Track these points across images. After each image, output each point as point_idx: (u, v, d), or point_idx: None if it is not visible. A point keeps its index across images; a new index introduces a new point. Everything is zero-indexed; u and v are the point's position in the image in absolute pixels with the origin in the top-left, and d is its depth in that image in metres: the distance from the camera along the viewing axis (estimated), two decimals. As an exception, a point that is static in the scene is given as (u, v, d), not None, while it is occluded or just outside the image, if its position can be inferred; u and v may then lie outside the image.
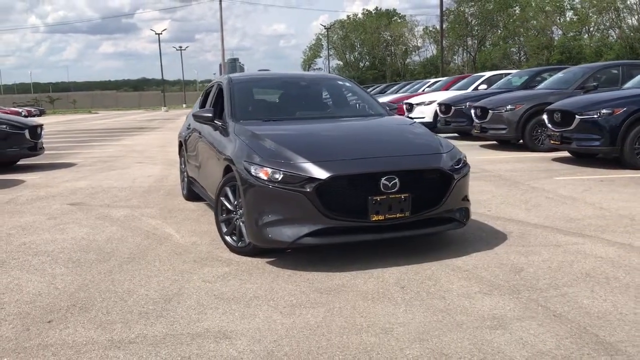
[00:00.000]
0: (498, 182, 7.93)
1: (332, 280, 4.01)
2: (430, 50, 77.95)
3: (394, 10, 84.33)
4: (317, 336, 3.12)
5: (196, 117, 5.49)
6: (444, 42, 71.87)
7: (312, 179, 4.07)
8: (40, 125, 11.47)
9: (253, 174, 4.22)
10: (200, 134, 5.95)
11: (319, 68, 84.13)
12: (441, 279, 3.99)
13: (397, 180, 4.17)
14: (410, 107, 16.63)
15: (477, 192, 7.10)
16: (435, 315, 3.36)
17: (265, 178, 4.15)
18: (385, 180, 4.14)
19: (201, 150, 5.90)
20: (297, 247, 4.31)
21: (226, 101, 5.51)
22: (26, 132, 10.85)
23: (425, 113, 16.09)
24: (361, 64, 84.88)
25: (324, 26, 76.08)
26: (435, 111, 15.61)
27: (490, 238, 5.00)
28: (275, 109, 5.79)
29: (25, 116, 60.56)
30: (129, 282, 4.10)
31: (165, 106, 67.05)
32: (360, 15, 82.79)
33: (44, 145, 11.79)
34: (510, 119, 11.45)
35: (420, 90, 20.79)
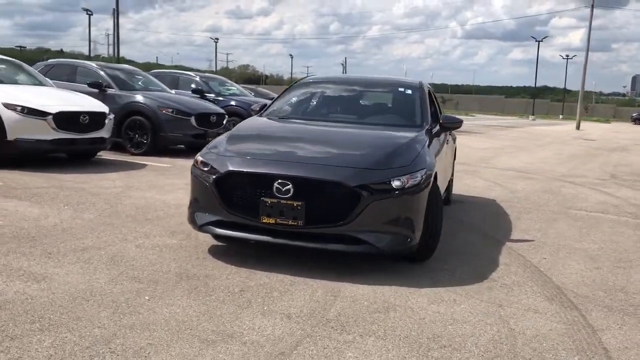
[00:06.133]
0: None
1: (217, 271, 4.16)
2: None
3: None
4: (96, 304, 3.37)
5: (251, 110, 6.01)
6: None
7: (216, 172, 4.29)
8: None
9: (196, 160, 4.61)
10: None
11: None
12: (288, 294, 3.77)
13: (290, 186, 4.05)
14: None
15: (590, 241, 5.76)
16: (202, 320, 3.32)
17: (197, 166, 4.52)
18: (277, 184, 4.07)
19: None
20: (204, 232, 4.53)
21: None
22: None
23: None
24: None
25: None
26: None
27: (464, 280, 4.26)
28: (310, 110, 5.85)
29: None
30: (106, 233, 4.93)
31: (532, 115, 65.05)
32: None
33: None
34: None
35: None
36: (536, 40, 70.71)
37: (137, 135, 10.46)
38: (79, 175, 7.80)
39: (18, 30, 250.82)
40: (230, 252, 4.64)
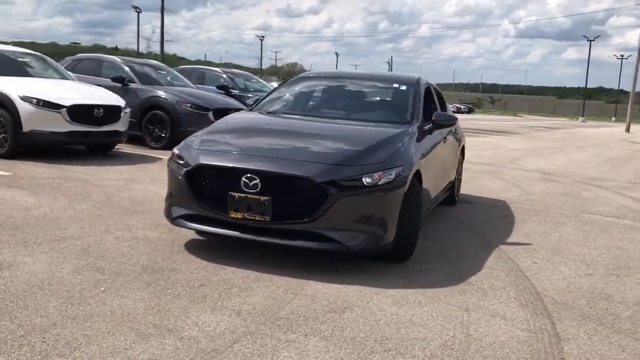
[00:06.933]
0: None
1: (185, 265, 4.13)
2: None
3: None
4: (49, 294, 3.40)
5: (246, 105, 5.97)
6: None
7: (188, 165, 4.25)
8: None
9: (172, 153, 4.58)
10: None
11: None
12: (248, 290, 3.71)
13: (258, 180, 3.98)
14: None
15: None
16: (148, 313, 3.30)
17: (173, 159, 4.50)
18: (245, 178, 4.01)
19: None
20: (177, 226, 4.48)
21: None
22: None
23: None
24: None
25: None
26: None
27: (440, 282, 4.12)
28: (299, 105, 5.75)
29: (454, 112, 66.13)
30: (91, 224, 4.98)
31: (582, 116, 63.00)
32: None
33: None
34: None
35: None
36: (588, 40, 68.48)
37: (157, 130, 10.58)
38: (90, 167, 7.93)
39: (78, 28, 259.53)
40: (207, 246, 4.61)
